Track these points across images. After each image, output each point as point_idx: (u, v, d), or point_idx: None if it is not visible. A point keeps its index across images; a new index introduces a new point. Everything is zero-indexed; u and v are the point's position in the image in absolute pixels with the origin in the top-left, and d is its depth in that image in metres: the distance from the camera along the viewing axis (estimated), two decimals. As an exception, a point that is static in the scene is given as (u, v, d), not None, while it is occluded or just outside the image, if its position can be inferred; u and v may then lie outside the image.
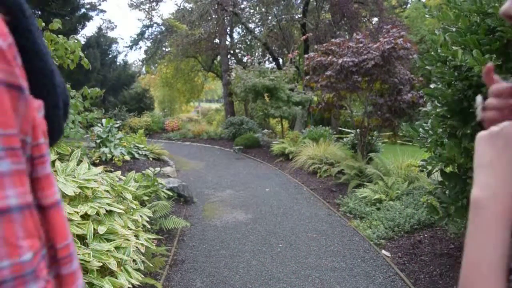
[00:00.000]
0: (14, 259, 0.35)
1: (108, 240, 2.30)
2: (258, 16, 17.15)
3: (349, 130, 9.40)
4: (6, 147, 0.36)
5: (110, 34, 20.50)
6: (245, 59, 16.20)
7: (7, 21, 0.39)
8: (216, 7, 13.78)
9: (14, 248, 0.36)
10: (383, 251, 3.58)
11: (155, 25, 18.82)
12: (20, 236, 0.37)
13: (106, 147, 5.73)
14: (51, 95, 0.46)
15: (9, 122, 0.36)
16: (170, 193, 4.45)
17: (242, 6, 16.30)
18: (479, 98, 0.60)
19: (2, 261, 0.34)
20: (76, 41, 3.27)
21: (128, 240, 2.42)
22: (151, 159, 7.14)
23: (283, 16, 15.03)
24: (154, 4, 16.47)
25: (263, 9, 16.22)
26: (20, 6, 0.41)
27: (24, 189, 0.38)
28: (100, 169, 2.94)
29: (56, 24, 3.15)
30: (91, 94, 3.82)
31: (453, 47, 2.31)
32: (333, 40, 6.86)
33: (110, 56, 18.31)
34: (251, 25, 16.90)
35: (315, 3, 14.96)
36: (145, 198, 3.82)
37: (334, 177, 6.29)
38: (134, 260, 2.43)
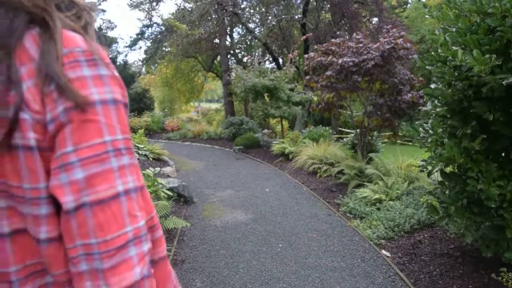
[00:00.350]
0: (134, 225, 0.51)
1: (108, 240, 2.29)
2: (258, 16, 17.16)
3: (349, 130, 9.40)
4: (126, 147, 0.53)
5: (110, 34, 20.47)
6: (245, 59, 16.20)
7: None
8: (216, 7, 13.78)
9: (134, 217, 0.51)
10: (383, 251, 3.58)
11: (155, 25, 18.82)
12: (136, 209, 0.52)
13: (106, 147, 5.73)
14: None
15: (126, 130, 0.54)
16: (170, 193, 4.46)
17: (242, 6, 16.30)
18: None
19: (127, 227, 0.50)
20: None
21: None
22: (151, 159, 7.15)
23: (283, 16, 15.04)
24: (154, 4, 16.47)
25: (263, 9, 16.23)
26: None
27: (137, 176, 0.55)
28: (100, 169, 2.95)
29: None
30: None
31: (453, 47, 2.31)
32: (333, 40, 6.86)
33: (110, 56, 18.26)
34: (251, 25, 16.90)
35: (315, 3, 14.96)
36: (145, 198, 3.82)
37: (334, 177, 6.30)
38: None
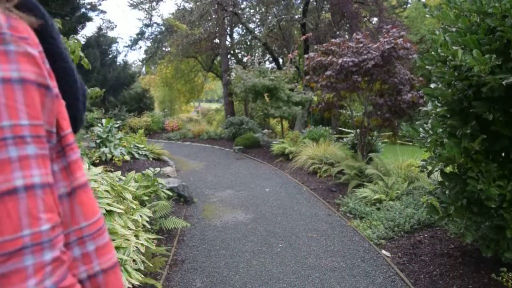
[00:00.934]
0: (34, 229, 0.42)
1: (108, 240, 2.30)
2: (258, 16, 17.16)
3: (349, 130, 9.39)
4: (33, 135, 0.44)
5: (110, 34, 20.52)
6: (245, 59, 16.20)
7: (35, 29, 0.48)
8: (216, 7, 13.78)
9: (35, 219, 0.43)
10: (383, 251, 3.58)
11: (155, 25, 18.84)
12: (40, 209, 0.43)
13: (106, 147, 5.73)
14: (72, 89, 0.56)
15: (37, 115, 0.45)
16: (170, 193, 4.46)
17: (242, 6, 16.31)
18: None
19: (24, 230, 0.41)
20: (76, 41, 3.27)
21: (128, 240, 2.42)
22: (151, 159, 7.15)
23: (283, 16, 15.03)
24: (154, 3, 16.47)
25: (263, 9, 16.23)
26: (45, 16, 0.50)
27: (46, 171, 0.45)
28: (100, 169, 2.94)
29: (56, 24, 3.16)
30: (91, 94, 3.82)
31: (453, 47, 2.31)
32: (333, 40, 6.85)
33: (110, 56, 18.30)
34: (251, 25, 16.90)
35: (315, 3, 14.96)
36: (145, 198, 3.82)
37: (334, 177, 6.29)
38: (134, 260, 2.43)
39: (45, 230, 0.44)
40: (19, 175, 0.42)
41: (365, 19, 15.26)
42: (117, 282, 0.59)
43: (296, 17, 15.24)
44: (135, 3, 16.29)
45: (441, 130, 2.80)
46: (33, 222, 0.42)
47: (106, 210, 2.51)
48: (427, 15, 2.67)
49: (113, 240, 2.31)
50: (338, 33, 13.33)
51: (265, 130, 13.08)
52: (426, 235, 3.75)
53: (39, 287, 0.42)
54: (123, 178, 3.57)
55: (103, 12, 18.34)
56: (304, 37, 12.33)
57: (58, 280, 0.44)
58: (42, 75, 0.46)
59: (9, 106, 0.42)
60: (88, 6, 14.97)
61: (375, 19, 15.32)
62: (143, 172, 4.19)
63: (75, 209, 0.55)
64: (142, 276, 2.39)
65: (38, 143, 0.45)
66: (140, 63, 22.03)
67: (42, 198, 0.44)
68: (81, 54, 3.33)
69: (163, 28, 18.12)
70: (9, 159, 0.41)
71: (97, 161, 5.20)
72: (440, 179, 2.93)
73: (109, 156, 5.44)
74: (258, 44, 17.23)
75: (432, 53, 2.58)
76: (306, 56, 7.10)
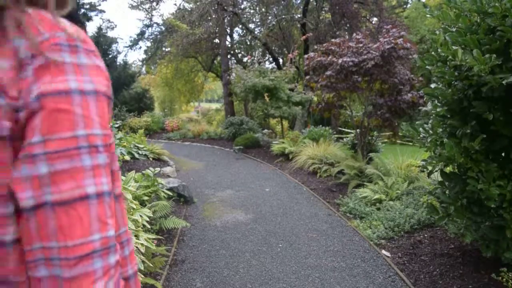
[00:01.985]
0: (103, 233, 0.45)
1: (108, 240, 2.29)
2: (258, 16, 17.15)
3: (349, 130, 9.39)
4: (104, 144, 0.47)
5: (110, 34, 20.51)
6: (245, 59, 16.20)
7: None
8: (216, 7, 13.78)
9: (104, 224, 0.46)
10: (383, 251, 3.58)
11: (155, 25, 18.83)
12: (108, 215, 0.46)
13: (106, 147, 5.72)
14: None
15: (106, 125, 0.48)
16: (170, 193, 4.45)
17: (242, 6, 16.30)
18: None
19: (95, 234, 0.44)
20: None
21: (128, 240, 2.42)
22: (151, 159, 7.14)
23: (283, 16, 15.03)
24: (154, 4, 16.47)
25: (263, 9, 16.23)
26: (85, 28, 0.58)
27: (110, 179, 0.49)
28: (100, 169, 2.94)
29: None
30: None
31: (453, 47, 2.31)
32: (333, 40, 6.85)
33: (110, 56, 18.31)
34: (251, 25, 16.90)
35: (315, 3, 14.96)
36: (145, 198, 3.82)
37: (334, 177, 6.29)
38: (134, 260, 2.43)
39: (111, 235, 0.47)
40: (91, 182, 0.45)
41: (365, 19, 15.25)
42: (139, 287, 0.66)
43: (296, 17, 15.24)
44: (135, 4, 16.29)
45: (441, 130, 2.80)
46: (102, 227, 0.45)
47: (106, 210, 2.50)
48: (427, 15, 2.67)
49: (113, 240, 2.30)
50: (338, 33, 13.32)
51: (265, 130, 13.07)
52: (426, 235, 3.75)
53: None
54: (123, 178, 3.56)
55: (102, 12, 18.34)
56: (304, 37, 12.33)
57: (117, 281, 0.47)
58: (109, 87, 0.50)
59: (84, 116, 0.45)
60: (88, 6, 14.97)
61: (375, 19, 15.32)
62: (143, 172, 4.19)
63: (118, 216, 0.60)
64: (142, 276, 2.39)
65: (107, 152, 0.48)
66: (140, 63, 22.04)
67: (109, 204, 0.47)
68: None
69: (163, 28, 18.12)
70: (83, 167, 0.44)
71: (97, 161, 5.21)
72: (440, 179, 2.92)
73: (109, 156, 5.45)
74: (258, 44, 17.23)
75: (432, 53, 2.58)
76: (306, 56, 7.10)
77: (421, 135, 2.91)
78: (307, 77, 6.99)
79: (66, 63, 0.44)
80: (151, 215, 3.31)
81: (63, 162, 0.43)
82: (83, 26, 0.52)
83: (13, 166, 0.42)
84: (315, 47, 7.20)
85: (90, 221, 0.44)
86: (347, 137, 8.43)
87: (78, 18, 0.53)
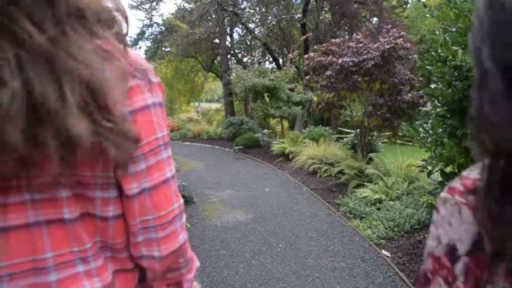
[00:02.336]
0: (179, 202, 0.65)
1: (108, 240, 2.29)
2: (258, 16, 17.15)
3: (349, 130, 9.39)
4: (167, 142, 0.64)
5: (110, 34, 20.36)
6: (245, 59, 16.21)
7: None
8: (216, 7, 13.78)
9: (177, 196, 0.65)
10: (383, 251, 3.58)
11: (155, 25, 18.83)
12: (178, 189, 0.66)
13: (106, 147, 5.72)
14: None
15: (166, 127, 0.64)
16: (170, 193, 4.46)
17: (242, 6, 16.30)
18: None
19: (175, 204, 0.64)
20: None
21: (128, 240, 2.42)
22: (151, 159, 7.15)
23: (283, 16, 15.03)
24: (154, 3, 16.47)
25: (263, 9, 16.23)
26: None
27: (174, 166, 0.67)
28: (100, 169, 2.94)
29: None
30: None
31: (454, 47, 2.31)
32: (333, 40, 6.86)
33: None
34: (251, 25, 16.89)
35: (315, 3, 14.96)
36: (145, 198, 3.82)
37: (334, 177, 6.29)
38: (134, 260, 2.43)
39: (182, 202, 0.67)
40: (168, 169, 0.63)
41: (365, 19, 15.26)
42: None
43: (296, 17, 15.24)
44: (135, 4, 16.29)
45: (441, 130, 2.80)
46: (177, 198, 0.65)
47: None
48: (427, 15, 2.67)
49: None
50: (338, 33, 13.32)
51: (265, 130, 13.07)
52: (426, 235, 3.75)
53: (184, 238, 0.66)
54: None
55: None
56: (304, 37, 12.33)
57: (186, 233, 0.68)
58: (164, 98, 0.66)
59: (159, 123, 0.61)
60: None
61: (375, 19, 15.33)
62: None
63: None
64: (142, 276, 2.39)
65: (169, 147, 0.65)
66: (140, 63, 21.98)
67: (176, 182, 0.66)
68: (81, 54, 3.32)
69: (163, 28, 18.12)
70: (163, 160, 0.62)
71: (97, 161, 5.22)
72: (440, 179, 2.92)
73: (109, 156, 5.45)
74: (258, 44, 17.23)
75: (432, 53, 2.59)
76: (306, 56, 7.10)
77: (421, 135, 2.91)
78: (307, 77, 6.98)
79: (141, 85, 0.58)
80: (151, 215, 3.32)
81: (152, 158, 0.60)
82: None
83: (118, 166, 0.56)
84: (315, 47, 7.21)
85: (171, 195, 0.63)
86: (347, 137, 8.43)
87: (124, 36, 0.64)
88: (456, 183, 0.48)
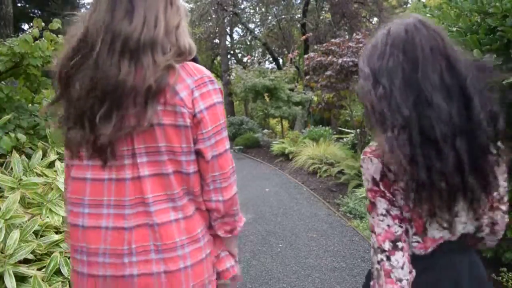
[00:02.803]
0: (233, 164, 1.00)
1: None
2: (258, 16, 17.16)
3: (349, 130, 9.38)
4: (225, 126, 0.97)
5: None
6: (245, 59, 16.21)
7: None
8: (216, 7, 13.78)
9: (231, 161, 0.99)
10: (383, 251, 3.57)
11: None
12: (232, 158, 0.99)
13: (106, 147, 5.72)
14: None
15: (224, 117, 0.99)
16: (170, 193, 4.45)
17: (242, 6, 16.31)
18: None
19: (230, 165, 0.98)
20: (76, 41, 3.26)
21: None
22: (151, 159, 7.15)
23: (283, 16, 15.04)
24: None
25: (263, 9, 16.23)
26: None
27: None
28: (100, 169, 2.93)
29: (56, 24, 3.13)
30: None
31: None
32: (333, 40, 6.86)
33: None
34: (251, 25, 16.90)
35: (315, 3, 14.96)
36: (145, 198, 3.82)
37: (334, 177, 6.29)
38: (134, 260, 2.43)
39: (234, 165, 1.01)
40: (227, 143, 0.97)
41: (365, 19, 15.26)
42: None
43: (296, 17, 15.24)
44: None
45: (441, 130, 2.79)
46: (232, 162, 0.99)
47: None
48: (428, 15, 2.67)
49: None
50: (338, 33, 13.32)
51: (265, 130, 13.07)
52: (426, 235, 3.74)
53: (236, 191, 1.00)
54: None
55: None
56: (304, 37, 12.33)
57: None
58: (223, 97, 1.02)
59: (221, 113, 0.96)
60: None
61: (375, 19, 15.33)
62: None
63: None
64: (142, 276, 2.38)
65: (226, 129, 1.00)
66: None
67: (230, 152, 0.99)
68: (81, 54, 3.31)
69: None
70: (224, 137, 0.96)
71: (97, 161, 5.20)
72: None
73: (109, 156, 5.44)
74: (258, 44, 17.24)
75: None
76: (306, 56, 7.11)
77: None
78: (307, 77, 6.98)
79: (210, 90, 0.93)
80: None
81: (218, 135, 0.93)
82: (196, 61, 0.99)
83: (200, 140, 0.91)
84: (315, 47, 7.22)
85: (229, 160, 0.96)
86: (347, 137, 8.43)
87: (197, 59, 0.98)
88: (366, 149, 0.92)
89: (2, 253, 1.76)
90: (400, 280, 0.83)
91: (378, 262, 0.86)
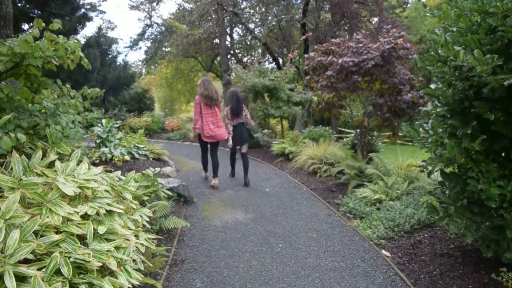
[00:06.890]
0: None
1: (108, 240, 2.29)
2: (258, 16, 17.15)
3: (349, 130, 9.38)
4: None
5: (110, 34, 20.42)
6: (245, 59, 16.18)
7: None
8: (216, 7, 13.77)
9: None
10: (383, 251, 3.58)
11: (155, 25, 18.83)
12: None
13: (106, 147, 5.73)
14: None
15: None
16: (170, 193, 4.44)
17: (242, 6, 16.30)
18: None
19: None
20: (76, 41, 3.25)
21: (128, 240, 2.42)
22: (151, 159, 7.13)
23: (283, 16, 15.03)
24: (154, 4, 16.46)
25: (263, 9, 16.22)
26: None
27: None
28: (100, 169, 2.93)
29: (56, 24, 3.14)
30: (91, 94, 3.79)
31: (455, 47, 2.31)
32: (333, 40, 6.85)
33: (110, 56, 18.24)
34: (251, 25, 16.89)
35: (315, 3, 14.95)
36: (145, 198, 3.81)
37: (334, 177, 6.29)
38: (134, 260, 2.42)
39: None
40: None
41: (365, 19, 15.25)
42: None
43: (296, 17, 15.24)
44: (135, 4, 16.27)
45: (441, 130, 2.80)
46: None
47: (106, 210, 2.50)
48: (428, 15, 2.67)
49: (113, 240, 2.30)
50: (338, 33, 13.32)
51: (265, 130, 13.06)
52: (426, 235, 3.75)
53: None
54: (123, 178, 3.55)
55: (103, 12, 18.31)
56: (304, 37, 12.33)
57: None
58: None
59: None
60: (88, 6, 14.95)
61: (375, 19, 15.32)
62: (143, 172, 4.18)
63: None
64: (142, 276, 2.38)
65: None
66: (140, 64, 22.02)
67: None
68: (81, 54, 3.32)
69: (163, 29, 18.12)
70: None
71: (97, 161, 5.19)
72: (440, 179, 2.92)
73: (109, 156, 5.44)
74: (258, 44, 17.22)
75: (432, 53, 2.58)
76: (306, 56, 7.10)
77: (421, 135, 2.90)
78: (307, 77, 6.98)
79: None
80: (151, 215, 3.31)
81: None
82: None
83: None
84: (315, 47, 7.20)
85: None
86: (347, 137, 8.42)
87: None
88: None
89: (2, 253, 1.76)
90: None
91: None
